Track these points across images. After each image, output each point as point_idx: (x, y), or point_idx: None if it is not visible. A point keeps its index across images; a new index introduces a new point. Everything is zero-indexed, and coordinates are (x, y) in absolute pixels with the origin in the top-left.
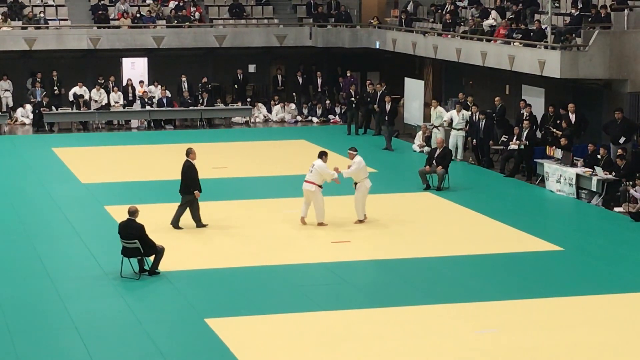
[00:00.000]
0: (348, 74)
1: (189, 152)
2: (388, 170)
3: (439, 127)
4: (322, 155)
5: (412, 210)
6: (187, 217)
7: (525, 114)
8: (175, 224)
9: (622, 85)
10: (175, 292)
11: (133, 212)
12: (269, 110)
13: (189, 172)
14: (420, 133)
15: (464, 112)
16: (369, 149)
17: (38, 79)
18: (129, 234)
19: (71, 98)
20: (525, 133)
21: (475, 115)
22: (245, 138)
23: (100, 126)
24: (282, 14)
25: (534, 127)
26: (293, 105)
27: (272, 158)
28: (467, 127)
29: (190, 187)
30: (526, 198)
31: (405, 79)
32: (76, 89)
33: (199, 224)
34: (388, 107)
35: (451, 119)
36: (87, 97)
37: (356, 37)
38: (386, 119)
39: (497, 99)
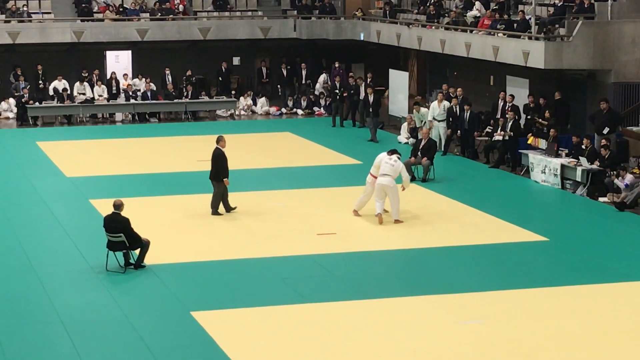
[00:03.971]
0: (337, 65)
1: (219, 140)
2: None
3: (423, 125)
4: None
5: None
6: (179, 209)
7: (507, 104)
8: (214, 211)
9: (606, 75)
10: (161, 285)
11: (118, 206)
12: (254, 103)
13: (219, 159)
14: (405, 124)
15: (445, 102)
16: (354, 141)
17: (19, 73)
18: (114, 227)
19: (51, 92)
20: (510, 124)
21: (455, 107)
22: (230, 131)
23: (85, 120)
24: (266, 6)
25: (517, 117)
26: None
27: (257, 150)
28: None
29: (220, 174)
30: (511, 189)
31: (390, 70)
32: (56, 83)
33: (228, 208)
34: (371, 98)
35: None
36: (63, 89)
37: (340, 29)
38: (370, 110)
39: (459, 89)
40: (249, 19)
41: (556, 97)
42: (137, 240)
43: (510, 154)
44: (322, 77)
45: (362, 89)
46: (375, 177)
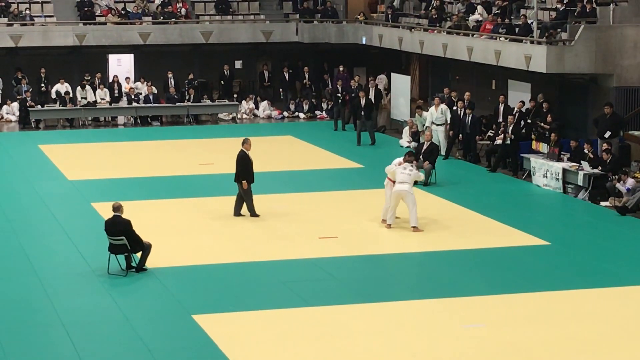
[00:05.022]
0: (341, 69)
1: (244, 142)
2: (374, 166)
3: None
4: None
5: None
6: (176, 213)
7: (516, 109)
8: (253, 213)
9: (608, 79)
10: (162, 288)
11: (117, 208)
12: (256, 107)
13: (241, 161)
14: (407, 128)
15: (442, 106)
16: (356, 144)
17: (19, 77)
18: (116, 230)
19: (54, 95)
20: (511, 128)
21: (461, 110)
22: (231, 134)
23: (87, 123)
24: (268, 9)
25: (523, 122)
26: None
27: (259, 154)
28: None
29: (240, 176)
30: (513, 193)
31: (392, 74)
32: (58, 86)
33: (238, 213)
34: (363, 102)
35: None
36: (65, 92)
37: (342, 33)
38: (362, 113)
39: (467, 94)
40: (251, 23)
41: (539, 99)
42: (139, 242)
43: (511, 158)
44: (382, 78)
45: (372, 91)
46: (391, 180)
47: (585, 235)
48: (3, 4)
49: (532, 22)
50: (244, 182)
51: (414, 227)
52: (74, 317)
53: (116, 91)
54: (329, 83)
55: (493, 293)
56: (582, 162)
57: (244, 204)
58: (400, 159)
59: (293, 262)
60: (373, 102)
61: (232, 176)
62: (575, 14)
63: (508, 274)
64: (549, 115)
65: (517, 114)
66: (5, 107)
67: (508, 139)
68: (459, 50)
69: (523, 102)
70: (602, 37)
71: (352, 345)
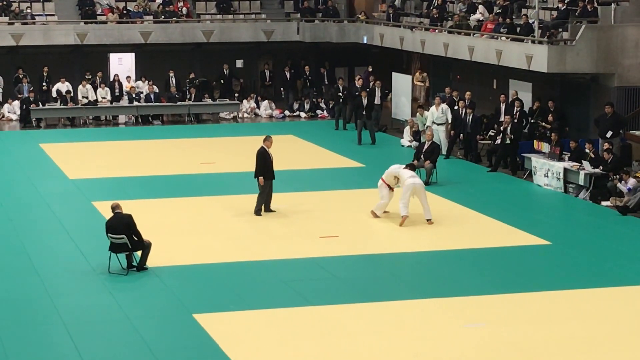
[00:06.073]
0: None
1: (265, 139)
2: (375, 165)
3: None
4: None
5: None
6: (168, 212)
7: (516, 108)
8: (257, 210)
9: (609, 79)
10: (163, 287)
11: (116, 206)
12: (258, 106)
13: (260, 158)
14: (408, 128)
15: (442, 106)
16: (357, 144)
17: (20, 75)
18: (121, 225)
19: (54, 94)
20: (509, 128)
21: (462, 110)
22: (233, 133)
23: (88, 122)
24: (269, 8)
25: (525, 122)
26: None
27: None
28: (450, 121)
29: (258, 173)
30: (514, 192)
31: (393, 73)
32: (59, 85)
33: (267, 208)
34: (365, 101)
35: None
36: (66, 91)
37: (344, 32)
38: (363, 113)
39: (467, 93)
40: (252, 22)
41: (512, 96)
42: (140, 241)
43: (511, 158)
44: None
45: (378, 91)
46: (386, 183)
47: (586, 235)
48: (4, 2)
49: (533, 22)
50: (260, 178)
51: (429, 219)
52: (74, 316)
53: (117, 90)
54: (326, 81)
55: (493, 292)
56: (583, 161)
57: (271, 198)
58: (399, 166)
59: (294, 261)
60: (380, 102)
61: (234, 176)
62: (577, 13)
63: (509, 273)
64: (550, 115)
65: (517, 114)
66: (6, 105)
67: (507, 139)
68: (460, 50)
69: (521, 101)
70: (604, 37)
71: (354, 344)
